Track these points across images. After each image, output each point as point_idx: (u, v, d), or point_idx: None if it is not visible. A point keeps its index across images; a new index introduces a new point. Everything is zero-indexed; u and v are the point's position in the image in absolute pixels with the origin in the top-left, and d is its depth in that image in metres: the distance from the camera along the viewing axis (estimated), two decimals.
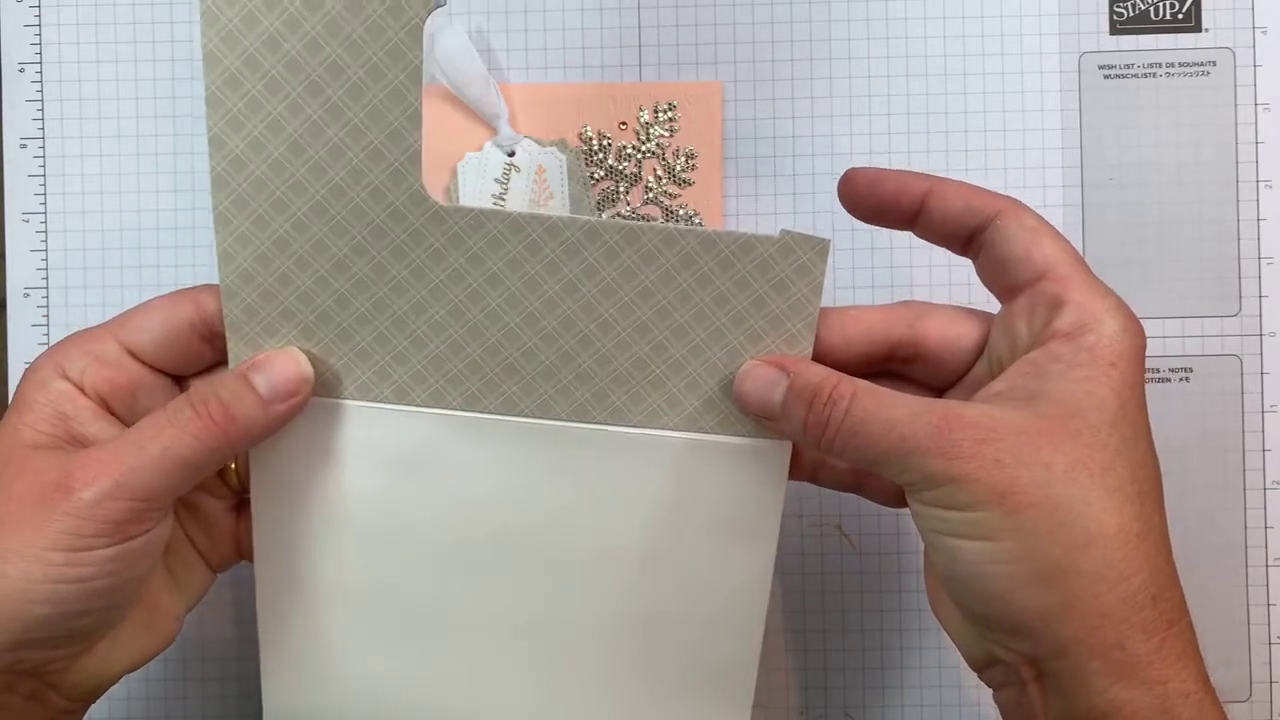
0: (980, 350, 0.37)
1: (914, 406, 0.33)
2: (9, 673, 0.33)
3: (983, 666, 0.35)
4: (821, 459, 0.39)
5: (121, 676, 0.37)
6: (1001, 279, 0.36)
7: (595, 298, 0.35)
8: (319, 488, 0.38)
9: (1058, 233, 0.35)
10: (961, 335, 0.37)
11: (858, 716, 0.47)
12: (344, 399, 0.37)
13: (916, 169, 0.46)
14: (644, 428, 0.37)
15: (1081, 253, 0.46)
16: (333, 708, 0.40)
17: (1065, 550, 0.31)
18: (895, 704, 0.47)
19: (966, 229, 0.36)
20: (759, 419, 0.36)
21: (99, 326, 0.36)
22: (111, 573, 0.33)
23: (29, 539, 0.32)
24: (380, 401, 0.37)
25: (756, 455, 0.37)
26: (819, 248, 0.35)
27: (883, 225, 0.38)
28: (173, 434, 0.33)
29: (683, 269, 0.35)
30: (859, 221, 0.38)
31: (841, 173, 0.37)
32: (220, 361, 0.37)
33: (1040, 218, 0.35)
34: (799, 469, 0.39)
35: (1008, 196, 0.36)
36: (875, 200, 0.37)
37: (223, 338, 0.36)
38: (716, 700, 0.40)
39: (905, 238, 0.46)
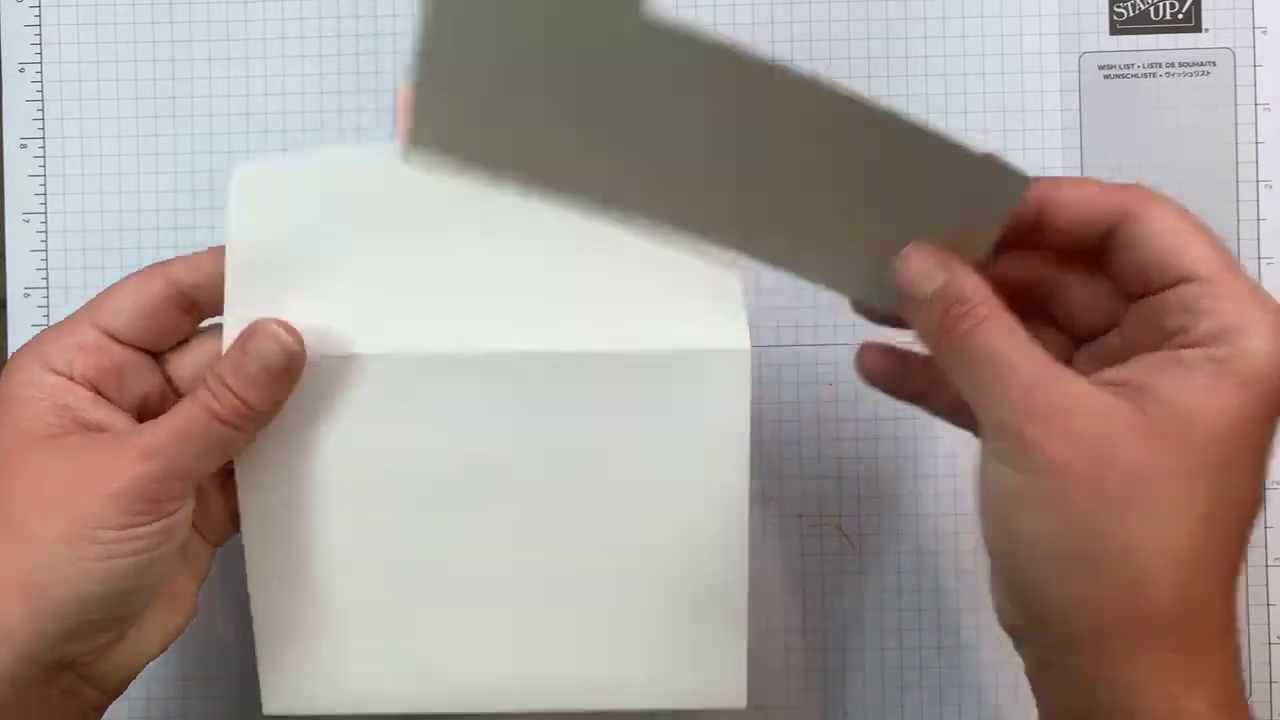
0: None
1: (1031, 355, 0.31)
2: (52, 666, 0.35)
3: (1009, 632, 0.34)
4: (935, 374, 0.37)
5: (147, 664, 0.38)
6: (1140, 284, 0.33)
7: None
8: (301, 438, 0.39)
9: (1202, 228, 0.32)
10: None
11: (858, 716, 0.47)
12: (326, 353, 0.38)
13: None
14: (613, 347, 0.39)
15: None
16: (329, 667, 0.40)
17: (1095, 547, 0.30)
18: (895, 704, 0.47)
19: (1094, 235, 0.33)
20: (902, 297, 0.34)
21: (74, 316, 0.37)
22: (156, 545, 0.35)
23: (79, 521, 0.34)
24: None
25: (719, 364, 0.39)
26: (1019, 182, 0.33)
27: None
28: (201, 417, 0.35)
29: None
30: None
31: None
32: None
33: (1181, 212, 0.32)
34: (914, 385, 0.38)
35: (1136, 188, 0.33)
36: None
37: (200, 306, 0.38)
38: (713, 622, 0.40)
39: None
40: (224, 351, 0.37)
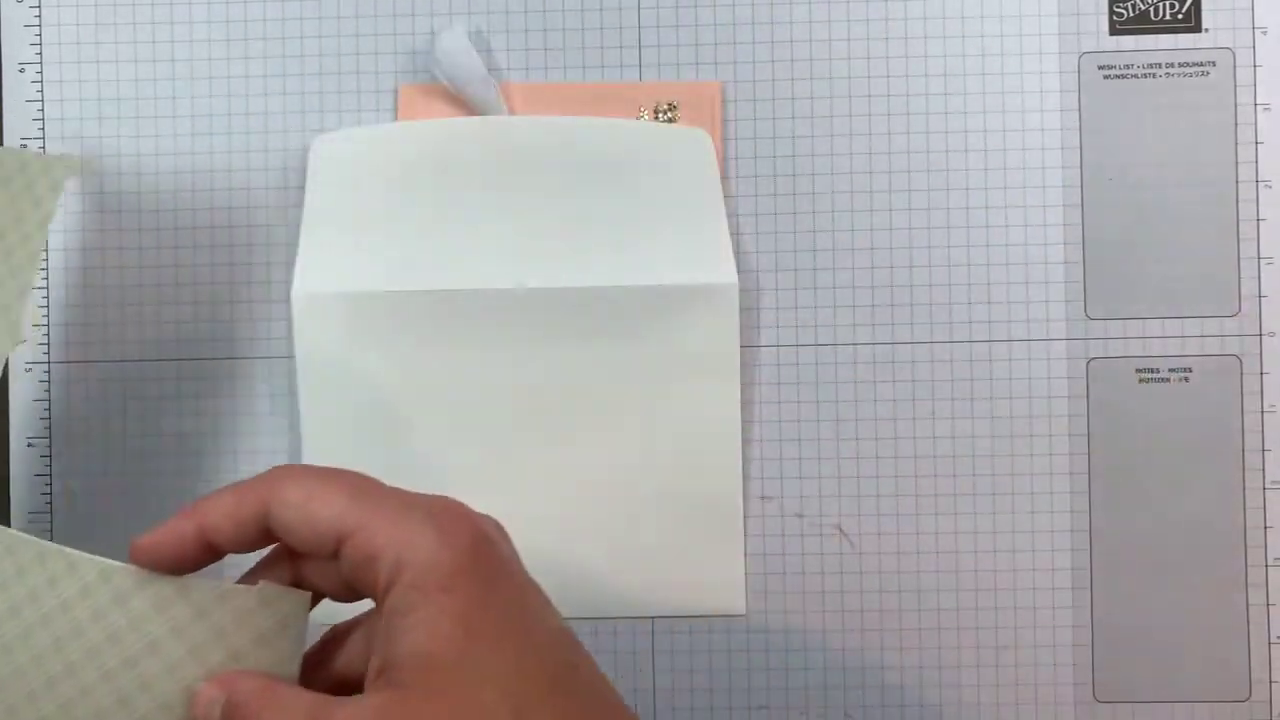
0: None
1: (296, 710, 0.30)
2: None
3: None
4: None
5: None
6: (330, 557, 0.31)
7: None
8: (356, 365, 0.46)
9: (335, 477, 0.31)
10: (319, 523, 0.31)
11: (857, 716, 0.47)
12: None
13: (916, 170, 0.47)
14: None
15: (1081, 253, 0.46)
16: None
17: None
18: (895, 704, 0.47)
19: (258, 537, 0.32)
20: None
21: None
22: None
23: None
24: None
25: (708, 296, 0.45)
26: (299, 601, 0.32)
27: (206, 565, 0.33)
28: None
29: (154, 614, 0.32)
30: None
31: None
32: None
33: (309, 472, 0.32)
34: None
35: (274, 472, 0.32)
36: (170, 562, 0.32)
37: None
38: (711, 534, 0.46)
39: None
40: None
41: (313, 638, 0.34)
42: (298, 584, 0.33)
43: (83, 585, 0.32)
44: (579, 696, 0.30)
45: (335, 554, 0.31)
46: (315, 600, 0.33)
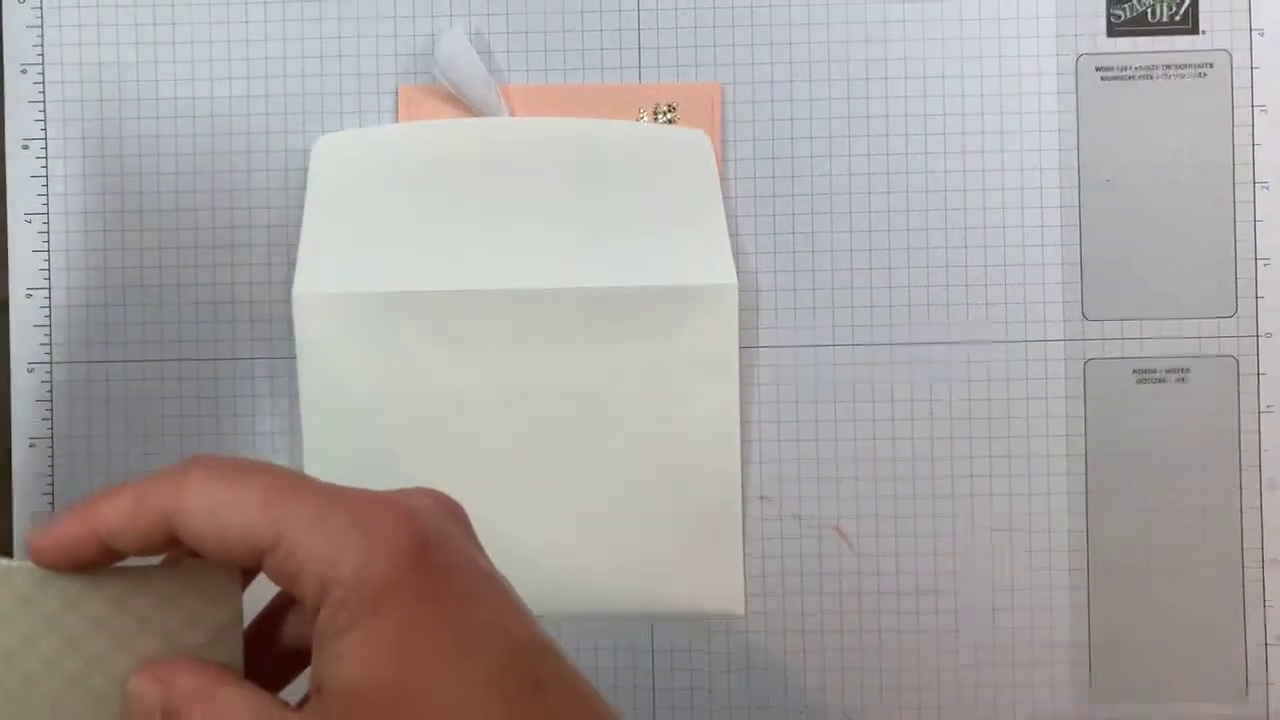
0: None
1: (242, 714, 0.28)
2: None
3: None
4: None
5: None
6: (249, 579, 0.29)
7: None
8: (356, 363, 0.46)
9: (246, 478, 0.27)
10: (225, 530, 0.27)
11: (857, 716, 0.47)
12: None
13: (915, 171, 0.47)
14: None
15: (1079, 254, 0.46)
16: None
17: None
18: (895, 704, 0.47)
19: (168, 548, 0.28)
20: None
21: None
22: None
23: None
24: None
25: (708, 296, 0.45)
26: (227, 573, 0.29)
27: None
28: None
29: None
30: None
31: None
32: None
33: (214, 473, 0.27)
34: None
35: (171, 474, 0.28)
36: (67, 565, 0.29)
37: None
38: (710, 533, 0.46)
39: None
40: None
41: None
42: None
43: None
44: None
45: (256, 566, 0.27)
46: (248, 575, 0.30)
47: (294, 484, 0.27)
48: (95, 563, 0.28)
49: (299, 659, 0.31)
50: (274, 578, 0.27)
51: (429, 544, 0.27)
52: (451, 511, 0.29)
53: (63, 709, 0.29)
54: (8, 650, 0.29)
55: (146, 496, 0.27)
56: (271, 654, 0.31)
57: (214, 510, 0.27)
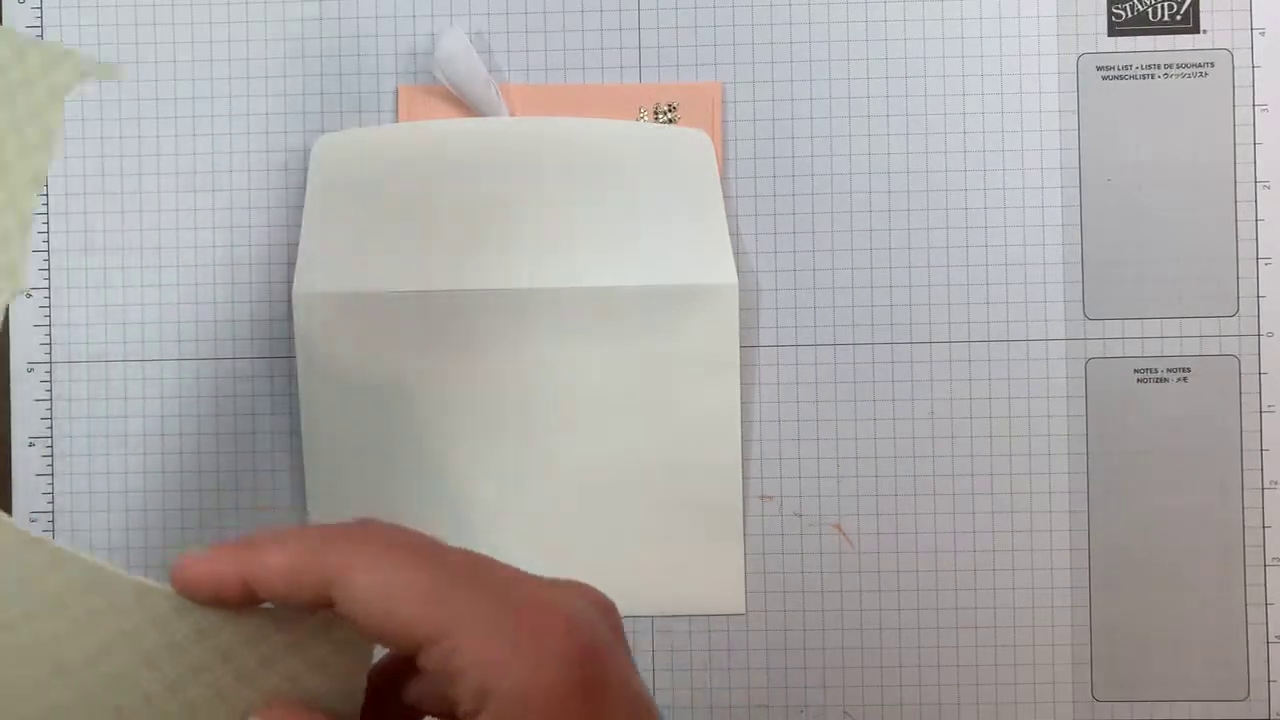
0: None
1: None
2: None
3: None
4: None
5: None
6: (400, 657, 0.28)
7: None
8: (359, 366, 0.46)
9: (416, 566, 0.26)
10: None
11: (857, 716, 0.47)
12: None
13: (915, 170, 0.47)
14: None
15: (1080, 254, 0.46)
16: None
17: None
18: (895, 704, 0.47)
19: (314, 606, 0.27)
20: None
21: None
22: None
23: None
24: None
25: (708, 296, 0.45)
26: (361, 647, 0.29)
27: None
28: None
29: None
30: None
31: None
32: None
33: (383, 560, 0.26)
34: None
35: (345, 536, 0.27)
36: (209, 601, 0.28)
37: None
38: (711, 534, 0.46)
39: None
40: None
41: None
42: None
43: (112, 603, 0.28)
44: None
45: (411, 654, 0.27)
46: None
47: (465, 576, 0.27)
48: (238, 605, 0.28)
49: (409, 717, 0.30)
50: (429, 667, 0.26)
51: (592, 659, 0.26)
52: (608, 614, 0.28)
53: None
54: (132, 669, 0.28)
55: (311, 558, 0.27)
56: (381, 709, 0.30)
57: (380, 593, 0.26)
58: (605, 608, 0.28)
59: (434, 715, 0.30)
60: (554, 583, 0.28)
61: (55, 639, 0.29)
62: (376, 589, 0.26)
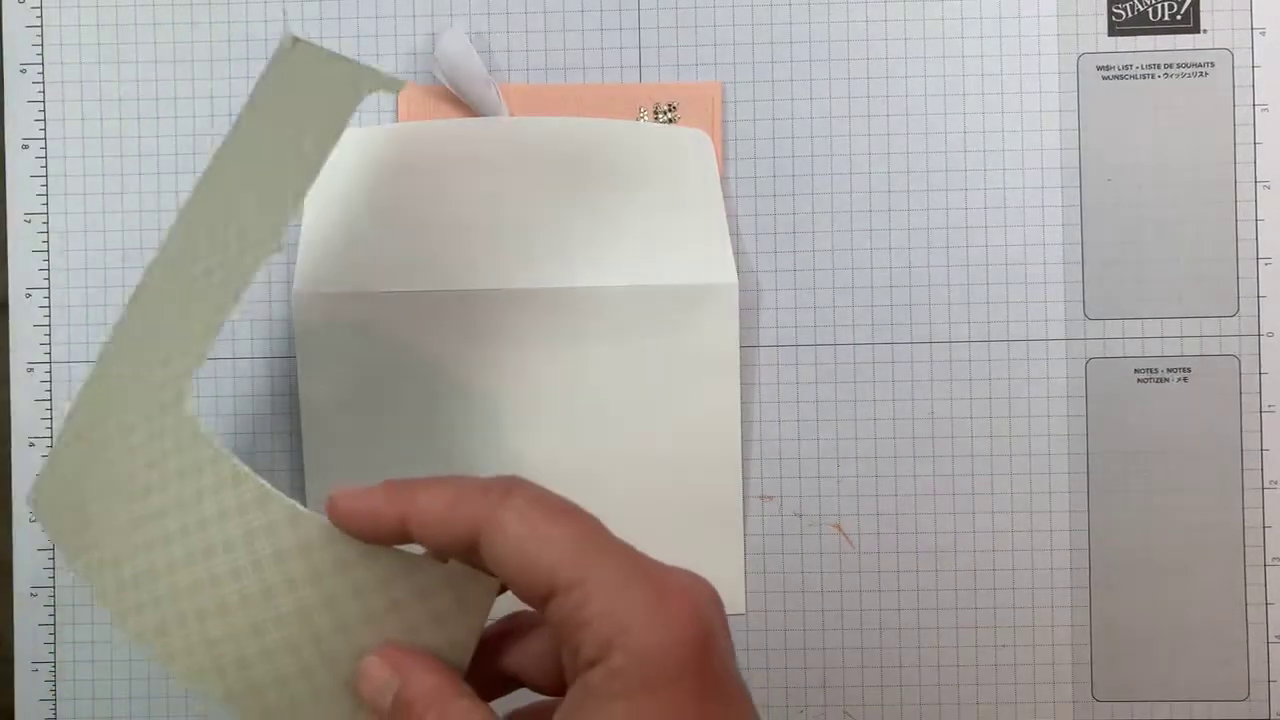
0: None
1: None
2: None
3: None
4: None
5: None
6: (534, 604, 0.29)
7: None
8: (360, 366, 0.46)
9: (556, 518, 0.28)
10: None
11: (857, 716, 0.47)
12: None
13: (915, 170, 0.47)
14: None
15: (1080, 254, 0.46)
16: None
17: None
18: (895, 704, 0.47)
19: (463, 554, 0.29)
20: None
21: None
22: None
23: None
24: None
25: (708, 296, 0.45)
26: (485, 588, 0.31)
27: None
28: None
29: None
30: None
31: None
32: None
33: (530, 510, 0.28)
34: None
35: (493, 488, 0.29)
36: (360, 533, 0.30)
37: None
38: (711, 533, 0.46)
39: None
40: None
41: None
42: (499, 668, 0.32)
43: (268, 522, 0.31)
44: None
45: (542, 601, 0.28)
46: (501, 594, 0.31)
47: (605, 539, 0.28)
48: (386, 541, 0.30)
49: (503, 684, 0.32)
50: (553, 617, 0.28)
51: (713, 642, 0.28)
52: (720, 608, 0.29)
53: (299, 656, 0.31)
54: (271, 587, 0.31)
55: (465, 502, 0.28)
56: (482, 670, 0.32)
57: (528, 539, 0.28)
58: (719, 601, 0.29)
59: (531, 684, 0.32)
60: (682, 570, 0.29)
61: (208, 549, 0.31)
62: (524, 535, 0.28)
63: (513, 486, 0.29)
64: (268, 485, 0.31)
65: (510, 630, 0.32)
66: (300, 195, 0.33)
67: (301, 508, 0.31)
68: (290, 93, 0.35)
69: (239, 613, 0.31)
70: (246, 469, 0.31)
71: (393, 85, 0.33)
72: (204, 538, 0.31)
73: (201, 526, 0.31)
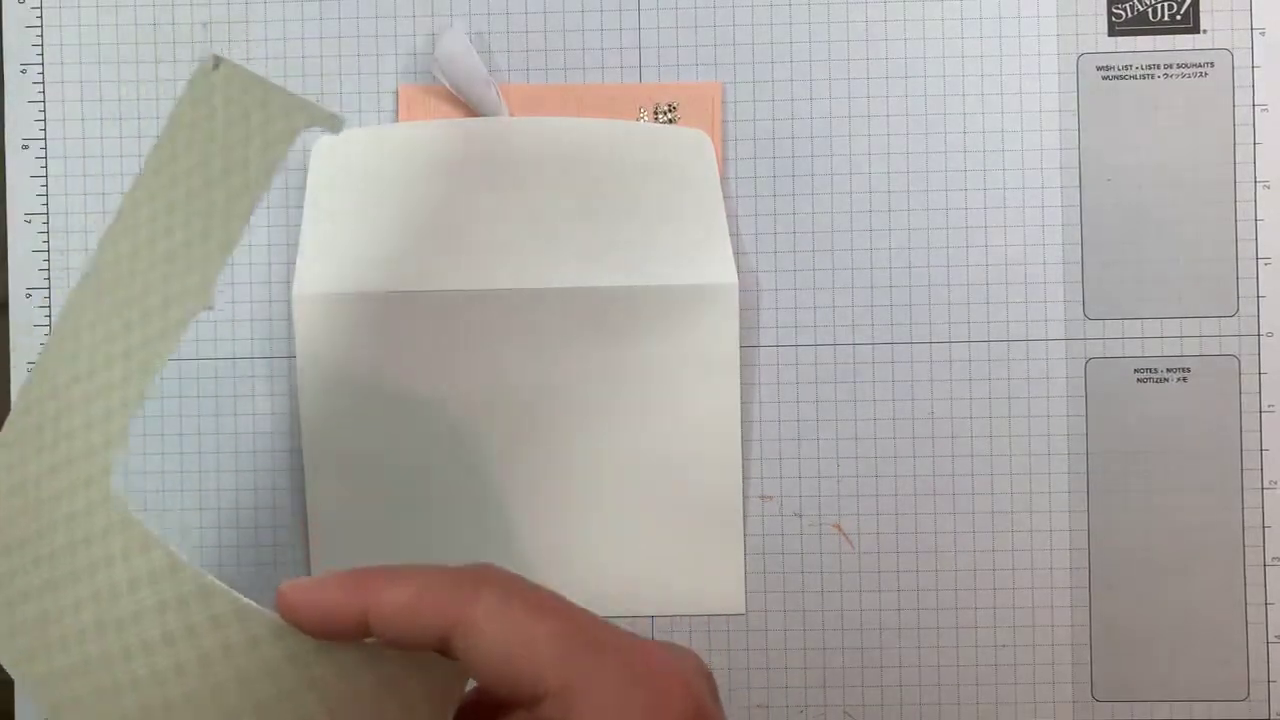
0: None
1: None
2: None
3: None
4: None
5: None
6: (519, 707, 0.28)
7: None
8: (358, 365, 0.46)
9: (537, 616, 0.27)
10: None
11: (857, 716, 0.47)
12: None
13: (915, 170, 0.47)
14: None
15: (1080, 254, 0.46)
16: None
17: None
18: (895, 704, 0.47)
19: (429, 649, 0.28)
20: None
21: None
22: None
23: None
24: None
25: (708, 296, 0.45)
26: (453, 673, 0.29)
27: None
28: None
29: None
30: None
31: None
32: None
33: (507, 605, 0.27)
34: None
35: (465, 578, 0.27)
36: (315, 630, 0.28)
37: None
38: (711, 533, 0.46)
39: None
40: None
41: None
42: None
43: (212, 616, 0.28)
44: None
45: (526, 704, 0.27)
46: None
47: (589, 633, 0.27)
48: (344, 637, 0.28)
49: None
50: (547, 717, 0.26)
51: None
52: (709, 680, 0.29)
53: None
54: (221, 685, 0.28)
55: (433, 596, 0.27)
56: None
57: (503, 642, 0.26)
58: (707, 673, 0.29)
59: None
60: (667, 646, 0.28)
61: (146, 646, 0.29)
62: (504, 638, 0.26)
63: (484, 578, 0.27)
64: (209, 580, 0.28)
65: (477, 703, 0.31)
66: (230, 245, 0.30)
67: (249, 604, 0.28)
68: (212, 121, 0.32)
69: (190, 709, 0.29)
70: (187, 565, 0.29)
71: (332, 124, 0.30)
72: (138, 631, 0.29)
73: (136, 620, 0.29)
